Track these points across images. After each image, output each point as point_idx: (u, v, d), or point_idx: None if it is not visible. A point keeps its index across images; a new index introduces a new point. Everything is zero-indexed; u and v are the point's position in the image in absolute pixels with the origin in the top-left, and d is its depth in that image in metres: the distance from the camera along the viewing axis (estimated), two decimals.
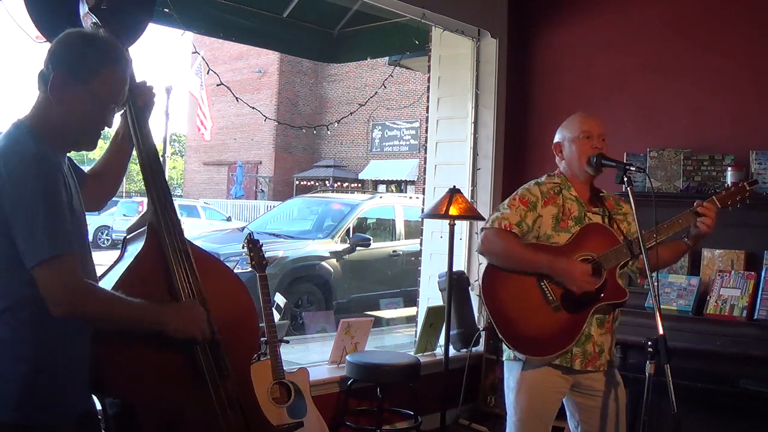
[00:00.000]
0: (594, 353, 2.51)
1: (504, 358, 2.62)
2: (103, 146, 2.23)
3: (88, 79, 1.77)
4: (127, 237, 2.13)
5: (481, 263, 4.62)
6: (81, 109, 1.78)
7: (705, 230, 2.46)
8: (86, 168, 2.09)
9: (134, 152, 2.13)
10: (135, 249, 2.03)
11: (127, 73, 1.88)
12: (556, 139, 2.66)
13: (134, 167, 2.20)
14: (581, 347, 2.48)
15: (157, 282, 1.97)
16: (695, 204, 2.49)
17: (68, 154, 1.91)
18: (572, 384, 2.55)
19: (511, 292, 2.48)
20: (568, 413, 2.65)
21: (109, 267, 2.05)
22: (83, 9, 2.12)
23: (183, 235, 2.06)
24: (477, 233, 4.68)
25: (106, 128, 1.91)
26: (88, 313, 1.74)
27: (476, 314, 4.60)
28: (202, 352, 1.98)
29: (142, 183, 2.14)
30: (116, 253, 2.15)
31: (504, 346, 2.57)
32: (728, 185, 2.51)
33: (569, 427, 2.67)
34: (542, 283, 2.46)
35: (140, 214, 2.21)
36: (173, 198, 2.13)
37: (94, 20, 2.07)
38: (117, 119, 2.11)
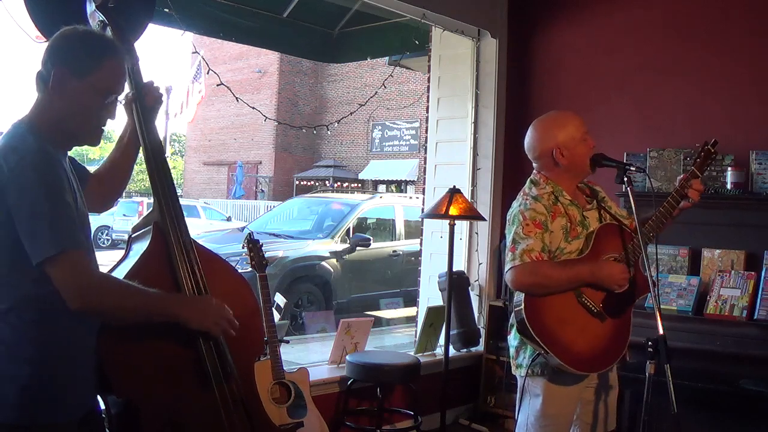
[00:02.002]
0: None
1: (522, 374, 2.50)
2: (104, 146, 2.24)
3: (90, 72, 1.76)
4: (132, 236, 2.13)
5: (481, 263, 4.68)
6: (83, 103, 1.77)
7: (696, 201, 2.48)
8: (89, 168, 2.09)
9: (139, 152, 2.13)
10: (140, 248, 2.03)
11: (126, 64, 1.88)
12: (553, 143, 2.49)
13: (135, 167, 2.19)
14: None
15: (163, 281, 1.96)
16: (679, 180, 2.51)
17: (70, 154, 1.91)
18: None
19: (557, 317, 2.40)
20: None
21: (113, 266, 2.05)
22: (90, 7, 2.14)
23: (189, 235, 2.06)
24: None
25: (109, 121, 1.90)
26: (105, 305, 1.72)
27: (476, 314, 4.60)
28: (208, 352, 1.98)
29: (143, 183, 2.15)
30: (116, 252, 2.15)
31: (522, 361, 2.50)
32: (699, 154, 2.52)
33: None
34: (582, 299, 2.41)
35: (142, 215, 2.20)
36: None
37: (100, 18, 2.08)
38: (123, 120, 2.12)
